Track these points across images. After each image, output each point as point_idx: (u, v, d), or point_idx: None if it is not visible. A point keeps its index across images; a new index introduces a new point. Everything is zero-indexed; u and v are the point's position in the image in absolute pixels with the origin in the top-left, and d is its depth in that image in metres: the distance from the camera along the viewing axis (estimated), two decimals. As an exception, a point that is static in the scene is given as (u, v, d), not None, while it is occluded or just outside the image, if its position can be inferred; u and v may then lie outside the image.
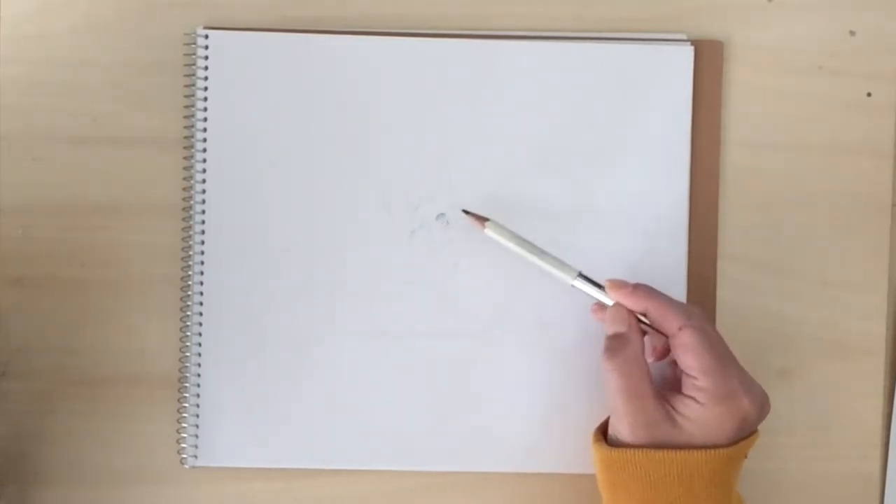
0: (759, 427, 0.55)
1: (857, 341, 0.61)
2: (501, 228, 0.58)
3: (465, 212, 0.59)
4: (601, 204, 0.60)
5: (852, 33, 0.61)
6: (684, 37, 0.61)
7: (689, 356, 0.53)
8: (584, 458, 0.58)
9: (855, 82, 0.61)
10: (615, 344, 0.55)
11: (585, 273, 0.57)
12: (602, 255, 0.60)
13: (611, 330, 0.56)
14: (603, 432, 0.56)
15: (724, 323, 0.61)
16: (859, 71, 0.61)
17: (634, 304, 0.56)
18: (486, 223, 0.58)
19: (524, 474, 0.60)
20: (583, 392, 0.59)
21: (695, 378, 0.53)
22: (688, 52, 0.60)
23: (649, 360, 0.56)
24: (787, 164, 0.61)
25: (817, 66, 0.61)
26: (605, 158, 0.60)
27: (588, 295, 0.57)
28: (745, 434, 0.53)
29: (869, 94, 0.61)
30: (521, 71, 0.60)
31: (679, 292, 0.60)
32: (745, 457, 0.54)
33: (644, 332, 0.56)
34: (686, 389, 0.53)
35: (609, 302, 0.57)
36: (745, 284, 0.61)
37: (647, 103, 0.60)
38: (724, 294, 0.61)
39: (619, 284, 0.56)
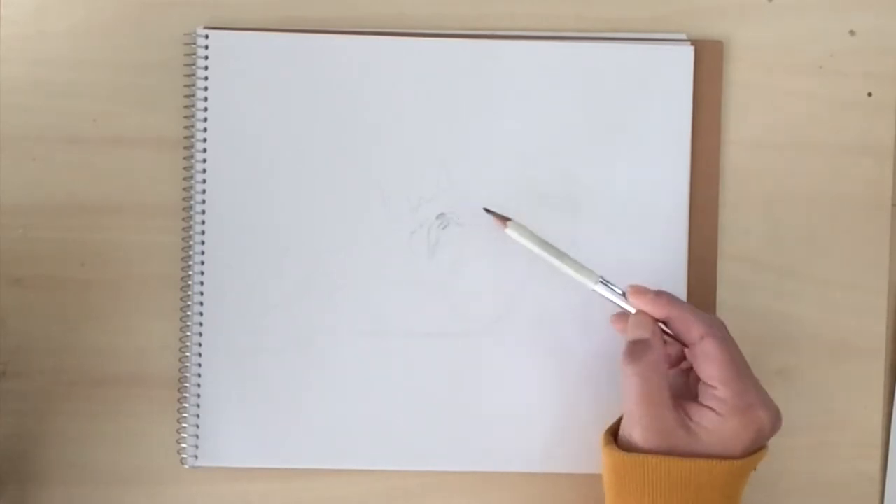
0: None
1: (857, 341, 0.61)
2: (523, 229, 0.58)
3: (487, 210, 0.59)
4: (601, 204, 0.60)
5: (852, 33, 0.61)
6: (684, 37, 0.61)
7: (711, 366, 0.53)
8: (585, 458, 0.58)
9: (855, 82, 0.61)
10: (637, 349, 0.54)
11: (606, 279, 0.57)
12: (602, 256, 0.59)
13: (633, 335, 0.55)
14: (613, 434, 0.55)
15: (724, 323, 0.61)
16: (859, 71, 0.61)
17: (656, 310, 0.55)
18: (508, 223, 0.58)
19: (524, 474, 0.60)
20: (583, 392, 0.59)
21: (714, 388, 0.53)
22: (688, 52, 0.60)
23: None
24: (787, 164, 0.61)
25: (817, 66, 0.61)
26: (604, 158, 0.60)
27: (609, 301, 0.57)
28: (758, 446, 0.53)
29: (869, 94, 0.61)
30: (521, 71, 0.60)
31: (679, 292, 0.60)
32: (754, 469, 0.54)
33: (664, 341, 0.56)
34: (704, 399, 0.53)
35: (628, 307, 0.56)
36: (745, 284, 0.61)
37: (647, 103, 0.60)
38: (724, 294, 0.61)
39: (641, 291, 0.56)
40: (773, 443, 0.60)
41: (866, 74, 0.61)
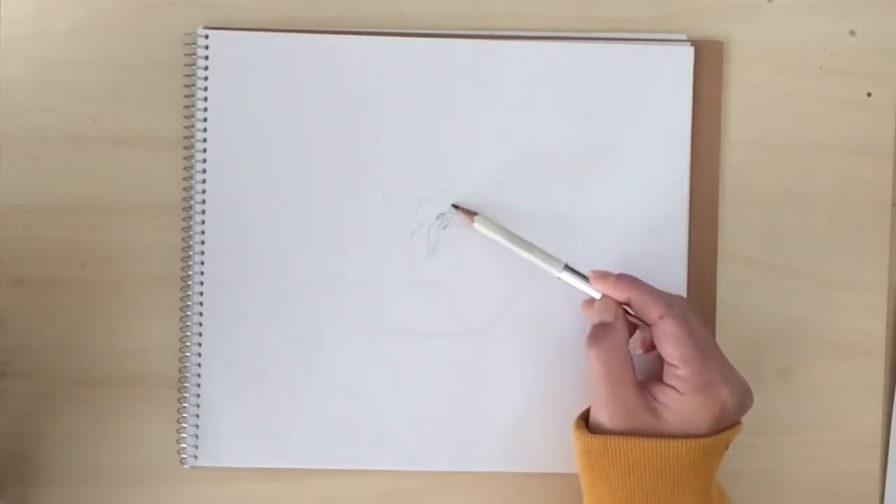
0: (750, 421, 0.55)
1: (857, 341, 0.61)
2: (490, 222, 0.59)
3: (455, 206, 0.59)
4: (601, 204, 0.60)
5: (852, 33, 0.61)
6: (684, 37, 0.61)
7: (670, 345, 0.53)
8: (584, 458, 0.59)
9: (855, 82, 0.61)
10: (599, 332, 0.55)
11: (572, 265, 0.58)
12: (602, 256, 0.60)
13: (597, 319, 0.56)
14: (585, 419, 0.56)
15: (724, 323, 0.61)
16: (859, 71, 0.61)
17: (617, 293, 0.56)
18: (475, 217, 0.59)
19: (524, 474, 0.60)
20: (583, 392, 0.59)
21: (675, 367, 0.53)
22: (688, 52, 0.60)
23: (637, 352, 0.57)
24: (787, 164, 0.61)
25: (817, 66, 0.61)
26: (605, 158, 0.60)
27: (576, 288, 0.58)
28: (725, 425, 0.53)
29: (869, 94, 0.61)
30: (521, 71, 0.60)
31: (679, 292, 0.59)
32: (727, 448, 0.54)
33: (635, 325, 0.56)
34: (666, 378, 0.54)
35: (594, 294, 0.57)
36: (745, 284, 0.61)
37: (647, 103, 0.60)
38: (724, 294, 0.61)
39: (603, 275, 0.57)
40: (772, 442, 0.60)
41: (866, 74, 0.61)
